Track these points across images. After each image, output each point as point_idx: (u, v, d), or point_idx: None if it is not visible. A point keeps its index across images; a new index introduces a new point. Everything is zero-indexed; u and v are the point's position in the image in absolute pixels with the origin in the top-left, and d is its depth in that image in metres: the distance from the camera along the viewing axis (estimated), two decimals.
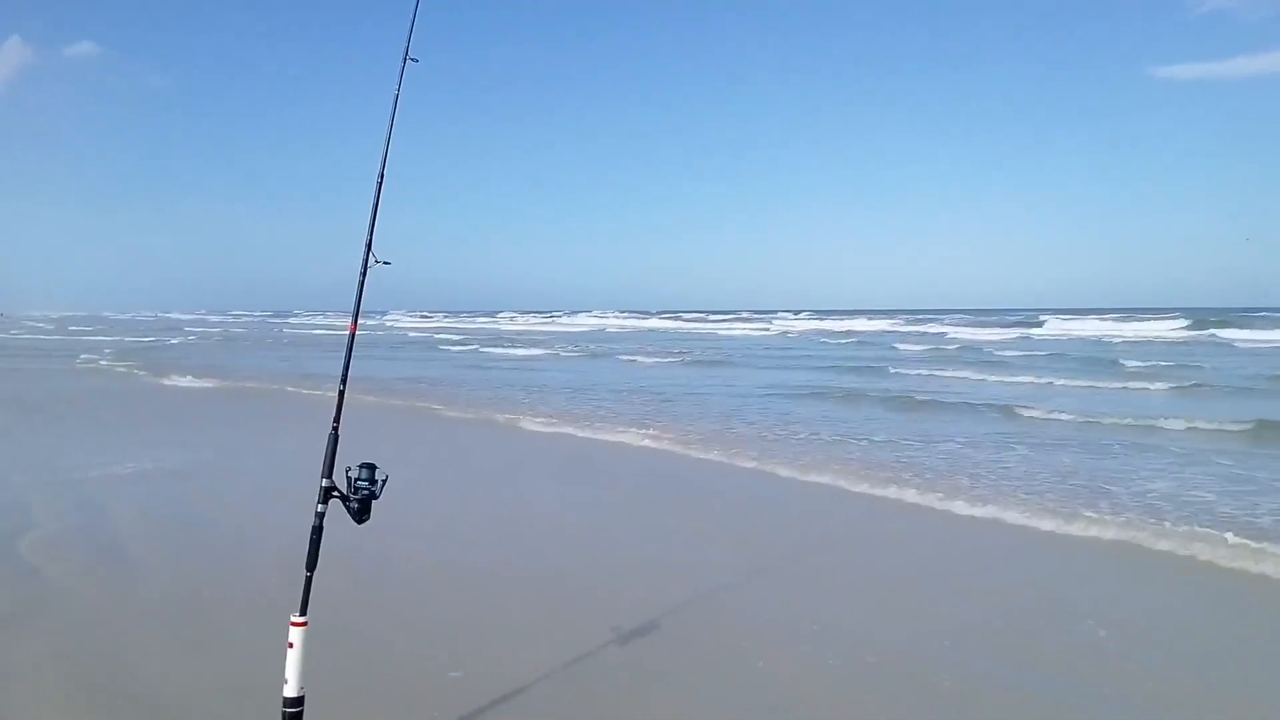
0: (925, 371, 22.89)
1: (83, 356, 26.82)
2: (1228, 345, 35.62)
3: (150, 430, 11.84)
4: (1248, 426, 11.78)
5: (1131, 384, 19.35)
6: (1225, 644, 4.67)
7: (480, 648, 4.29)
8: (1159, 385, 18.67)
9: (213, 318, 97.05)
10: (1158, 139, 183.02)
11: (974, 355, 30.89)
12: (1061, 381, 19.87)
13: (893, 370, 23.31)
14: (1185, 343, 38.54)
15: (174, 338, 44.47)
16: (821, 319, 70.68)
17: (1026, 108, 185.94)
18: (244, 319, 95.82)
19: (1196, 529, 6.47)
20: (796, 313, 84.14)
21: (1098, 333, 46.34)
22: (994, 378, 21.18)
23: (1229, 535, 6.23)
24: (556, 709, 3.62)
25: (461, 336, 47.33)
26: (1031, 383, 19.90)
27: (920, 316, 72.72)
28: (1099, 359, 27.64)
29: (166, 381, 19.23)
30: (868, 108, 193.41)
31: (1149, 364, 24.70)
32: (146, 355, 28.58)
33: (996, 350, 33.32)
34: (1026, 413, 13.54)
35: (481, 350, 34.20)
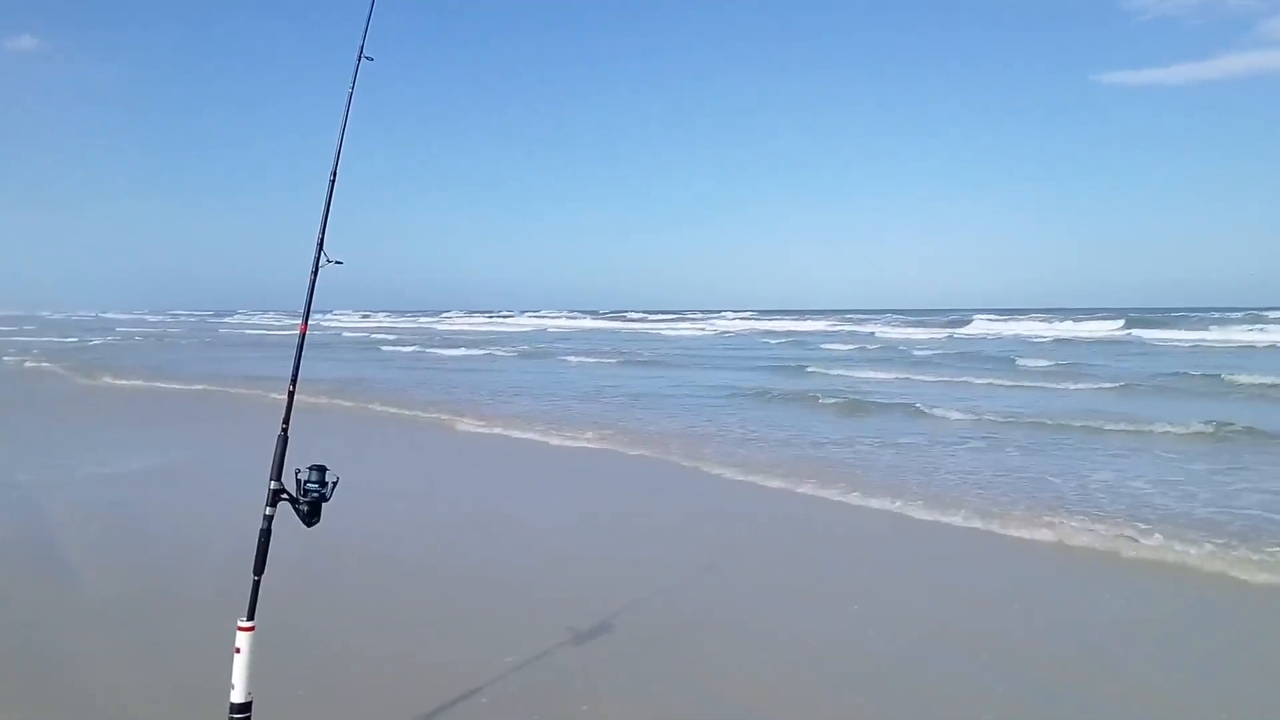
0: (839, 371, 23.93)
1: (3, 359, 26.50)
2: (1144, 344, 37.34)
3: (85, 434, 11.98)
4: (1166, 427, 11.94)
5: (1022, 382, 20.59)
6: (1206, 646, 4.68)
7: (432, 650, 4.28)
8: (1045, 384, 19.95)
9: (151, 318, 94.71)
10: (1105, 144, 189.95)
11: (892, 354, 32.26)
12: (961, 379, 21.06)
13: (809, 369, 24.33)
14: (1101, 342, 40.23)
15: (100, 338, 43.43)
16: (769, 319, 72.35)
17: (975, 111, 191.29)
18: (183, 318, 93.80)
19: (1136, 526, 6.67)
20: (739, 312, 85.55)
21: (1021, 332, 48.16)
22: (903, 375, 22.31)
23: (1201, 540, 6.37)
24: (510, 710, 3.62)
25: (397, 336, 47.31)
26: (937, 380, 21.01)
27: (858, 316, 74.68)
28: (1000, 358, 29.02)
29: (88, 382, 19.25)
30: (816, 111, 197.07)
31: (1052, 363, 26.10)
32: (71, 356, 28.22)
33: (915, 350, 34.77)
34: (934, 411, 14.05)
35: (425, 350, 34.37)
